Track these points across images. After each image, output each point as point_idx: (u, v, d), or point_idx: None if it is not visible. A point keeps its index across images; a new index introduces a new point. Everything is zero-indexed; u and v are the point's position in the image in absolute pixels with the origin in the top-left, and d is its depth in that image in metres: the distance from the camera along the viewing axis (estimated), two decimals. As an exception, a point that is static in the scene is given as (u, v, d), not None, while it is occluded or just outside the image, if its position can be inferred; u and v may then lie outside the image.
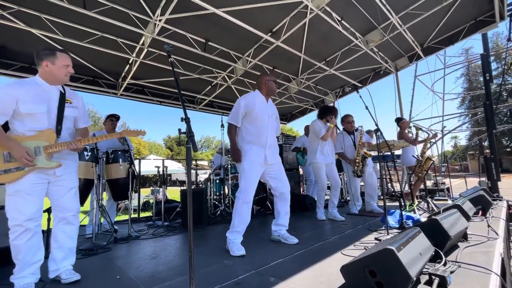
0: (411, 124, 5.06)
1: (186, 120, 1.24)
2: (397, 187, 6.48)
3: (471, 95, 26.63)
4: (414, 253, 1.41)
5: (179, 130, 1.23)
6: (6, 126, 1.73)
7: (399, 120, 5.12)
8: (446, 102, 18.40)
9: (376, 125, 2.69)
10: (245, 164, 2.53)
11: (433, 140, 4.37)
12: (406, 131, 5.01)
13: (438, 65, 17.49)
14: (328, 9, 4.40)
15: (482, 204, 3.35)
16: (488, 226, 2.77)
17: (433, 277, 1.51)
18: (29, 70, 4.89)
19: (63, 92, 1.91)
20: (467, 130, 26.86)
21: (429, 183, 7.30)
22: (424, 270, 1.62)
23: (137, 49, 4.87)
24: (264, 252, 2.38)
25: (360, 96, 2.84)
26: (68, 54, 1.90)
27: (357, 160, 3.93)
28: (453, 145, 41.56)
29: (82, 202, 2.99)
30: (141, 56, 4.93)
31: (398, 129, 5.07)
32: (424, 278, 1.56)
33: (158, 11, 3.97)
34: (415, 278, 1.24)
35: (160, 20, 4.06)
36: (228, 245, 2.41)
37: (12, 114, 1.70)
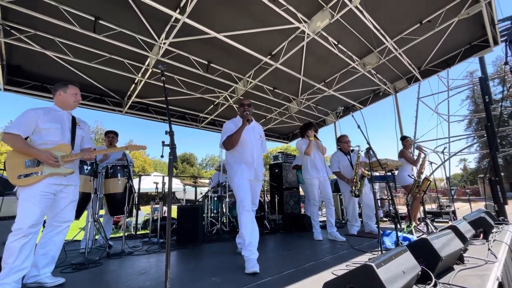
0: (415, 145, 5.02)
1: (170, 133, 1.32)
2: (403, 209, 6.33)
3: (477, 117, 26.49)
4: (396, 271, 1.39)
5: (163, 142, 1.30)
6: None
7: (403, 139, 5.09)
8: (452, 124, 18.30)
9: (368, 143, 2.73)
10: (236, 180, 2.70)
11: (428, 160, 4.32)
12: (410, 151, 4.96)
13: (442, 87, 17.65)
14: (324, 33, 4.61)
15: (483, 227, 3.25)
16: (489, 249, 2.69)
17: (419, 297, 1.48)
18: (41, 88, 5.17)
19: (73, 117, 2.38)
20: (475, 152, 26.44)
21: (433, 206, 7.12)
22: (412, 291, 1.59)
23: (142, 70, 5.13)
24: (254, 271, 2.33)
25: (353, 116, 2.91)
26: (77, 85, 2.35)
27: (354, 180, 3.91)
28: (462, 167, 40.68)
29: (78, 216, 3.02)
30: (146, 76, 5.16)
31: (402, 147, 5.04)
32: (411, 299, 1.53)
33: (163, 35, 4.23)
34: (394, 296, 1.22)
35: (164, 43, 4.31)
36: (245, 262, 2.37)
37: (33, 131, 2.11)
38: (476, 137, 23.72)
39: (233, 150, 2.80)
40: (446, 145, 16.50)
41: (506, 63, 5.84)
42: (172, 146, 1.27)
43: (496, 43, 5.16)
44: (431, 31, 4.74)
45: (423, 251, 1.91)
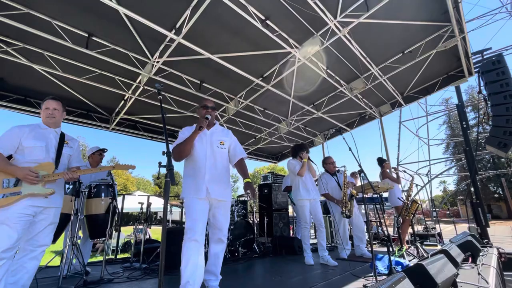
0: (393, 166, 5.20)
1: (168, 154, 1.27)
2: (390, 230, 6.35)
3: (454, 141, 27.97)
4: (398, 301, 1.35)
5: (159, 163, 1.25)
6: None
7: (382, 161, 5.22)
8: (431, 147, 19.20)
9: (360, 166, 2.76)
10: (185, 202, 2.26)
11: (415, 183, 4.45)
12: (389, 170, 5.08)
13: (421, 112, 18.65)
14: (314, 59, 4.81)
15: (471, 250, 3.29)
16: (479, 274, 2.70)
17: (421, 329, 1.42)
18: (23, 102, 4.97)
19: (62, 134, 2.29)
20: (454, 175, 27.57)
21: (420, 228, 7.20)
22: (412, 321, 1.53)
23: (133, 87, 5.08)
24: (246, 300, 2.21)
25: (344, 138, 2.96)
26: (52, 98, 2.21)
27: (344, 200, 3.91)
28: (442, 189, 42.07)
29: (54, 239, 2.79)
30: (137, 93, 5.11)
31: (381, 169, 5.14)
32: (412, 330, 1.47)
33: (157, 54, 4.26)
34: (398, 329, 1.17)
35: (158, 62, 4.33)
36: None
37: (16, 150, 2.03)
38: (454, 160, 24.89)
39: (185, 161, 2.34)
40: (428, 167, 17.15)
41: (479, 92, 6.29)
42: (170, 167, 1.22)
43: (470, 74, 5.57)
44: (412, 60, 5.07)
45: (419, 277, 1.88)
